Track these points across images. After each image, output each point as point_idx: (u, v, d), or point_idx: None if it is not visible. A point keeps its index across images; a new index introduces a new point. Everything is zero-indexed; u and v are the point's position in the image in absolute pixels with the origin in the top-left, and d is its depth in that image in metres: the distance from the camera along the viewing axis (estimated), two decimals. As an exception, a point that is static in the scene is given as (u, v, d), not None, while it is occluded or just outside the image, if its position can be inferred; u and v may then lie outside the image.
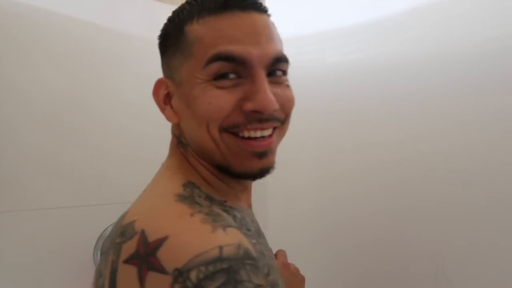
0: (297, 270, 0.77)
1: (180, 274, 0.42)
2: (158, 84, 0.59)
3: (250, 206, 0.67)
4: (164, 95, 0.58)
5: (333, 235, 1.15)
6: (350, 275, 1.10)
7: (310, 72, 1.21)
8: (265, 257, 0.55)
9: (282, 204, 1.30)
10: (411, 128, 0.96)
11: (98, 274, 0.50)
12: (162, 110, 0.59)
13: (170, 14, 0.60)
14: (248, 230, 0.56)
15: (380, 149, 1.03)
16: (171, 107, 0.58)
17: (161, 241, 0.44)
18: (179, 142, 0.60)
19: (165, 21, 0.60)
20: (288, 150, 1.25)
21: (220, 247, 0.44)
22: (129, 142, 1.24)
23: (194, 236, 0.45)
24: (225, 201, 0.57)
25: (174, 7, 0.61)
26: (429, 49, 0.92)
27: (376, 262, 1.03)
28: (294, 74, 1.26)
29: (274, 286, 0.52)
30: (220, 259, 0.43)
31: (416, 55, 0.94)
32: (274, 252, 0.78)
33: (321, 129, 1.18)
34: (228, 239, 0.46)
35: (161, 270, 0.43)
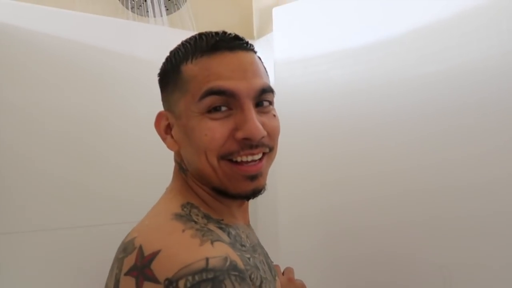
0: (303, 285, 0.79)
1: (170, 283, 0.47)
2: (159, 117, 0.66)
3: (247, 223, 0.73)
4: (165, 126, 0.66)
5: (339, 243, 1.16)
6: (356, 285, 1.10)
7: (317, 91, 1.24)
8: (259, 270, 0.59)
9: (291, 211, 1.32)
10: (417, 141, 0.97)
11: None
12: (164, 139, 0.66)
13: (181, 39, 0.66)
14: (242, 245, 0.61)
15: (386, 161, 1.04)
16: (172, 136, 0.65)
17: (154, 254, 0.49)
18: (180, 167, 0.67)
19: (176, 45, 0.66)
20: (298, 163, 1.29)
21: (207, 259, 0.49)
22: (144, 161, 1.28)
23: (183, 249, 0.50)
24: (222, 220, 0.63)
25: (186, 32, 0.65)
26: (434, 68, 0.95)
27: (383, 273, 1.03)
28: (302, 92, 1.30)
29: None
30: (206, 269, 0.48)
31: (421, 74, 0.97)
32: (282, 269, 0.80)
33: (328, 143, 1.20)
34: (215, 251, 0.51)
35: (154, 280, 0.47)
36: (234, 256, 0.53)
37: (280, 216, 1.35)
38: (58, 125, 1.18)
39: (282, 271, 0.80)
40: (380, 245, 1.05)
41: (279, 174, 1.35)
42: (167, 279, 0.47)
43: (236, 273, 0.49)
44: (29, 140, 1.13)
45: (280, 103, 1.35)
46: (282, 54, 1.35)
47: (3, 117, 1.09)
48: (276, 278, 0.72)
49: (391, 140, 1.03)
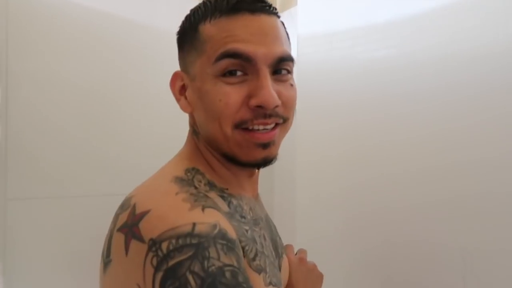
0: (315, 266, 0.79)
1: (154, 244, 0.46)
2: (175, 77, 0.65)
3: (255, 195, 0.72)
4: (180, 87, 0.64)
5: (357, 224, 1.15)
6: (373, 270, 1.09)
7: (342, 68, 1.20)
8: (256, 243, 0.58)
9: (310, 190, 1.31)
10: (440, 123, 0.94)
11: (104, 242, 0.56)
12: (178, 100, 0.65)
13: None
14: (242, 217, 0.60)
15: (409, 140, 1.01)
16: (186, 98, 0.63)
17: (144, 214, 0.49)
18: (193, 131, 0.66)
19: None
20: (318, 140, 1.27)
21: (194, 224, 0.48)
22: (161, 133, 1.28)
23: (172, 212, 0.50)
24: (227, 189, 0.62)
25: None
26: (463, 46, 0.90)
27: (402, 255, 1.02)
28: (325, 69, 1.27)
29: (259, 271, 0.56)
30: (191, 234, 0.47)
31: (453, 53, 0.93)
32: (295, 250, 0.79)
33: (350, 122, 1.18)
34: (204, 218, 0.50)
35: (140, 239, 0.48)
36: (226, 224, 0.52)
37: (297, 195, 1.34)
38: (77, 94, 1.18)
39: (295, 251, 0.79)
40: (401, 228, 1.03)
41: (299, 150, 1.33)
42: (151, 239, 0.47)
43: (224, 241, 0.48)
44: (46, 109, 1.14)
45: (302, 79, 1.33)
46: (306, 29, 1.31)
47: (22, 84, 1.09)
48: (283, 256, 0.71)
49: (415, 119, 1.00)
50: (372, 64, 1.12)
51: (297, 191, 1.34)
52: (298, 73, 1.33)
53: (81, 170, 1.18)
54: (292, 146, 1.34)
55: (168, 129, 1.25)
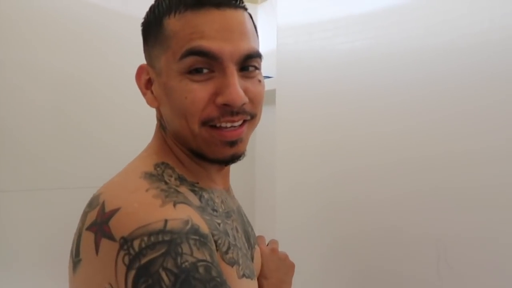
0: (286, 256, 0.79)
1: (125, 242, 0.46)
2: (141, 70, 0.63)
3: (227, 188, 0.72)
4: (146, 81, 0.63)
5: (335, 213, 1.17)
6: (351, 259, 1.11)
7: (321, 58, 1.21)
8: (228, 236, 0.59)
9: (289, 179, 1.32)
10: (417, 115, 0.96)
11: (72, 241, 0.54)
12: (144, 94, 0.63)
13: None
14: (214, 210, 0.60)
15: (386, 131, 1.03)
16: (152, 92, 0.62)
17: (114, 212, 0.48)
18: (161, 125, 0.65)
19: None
20: (297, 131, 1.28)
21: (166, 220, 0.47)
22: (140, 122, 1.27)
23: (143, 209, 0.49)
24: (197, 183, 0.62)
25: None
26: (442, 37, 0.92)
27: (379, 245, 1.04)
28: (305, 60, 1.27)
29: (232, 264, 0.57)
30: (162, 231, 0.46)
31: (431, 44, 0.94)
32: (267, 240, 0.80)
33: (330, 113, 1.19)
34: (176, 214, 0.50)
35: (111, 237, 0.47)
36: (198, 220, 0.51)
37: (277, 184, 1.35)
38: (53, 84, 1.16)
39: (267, 242, 0.80)
40: (377, 217, 1.05)
41: (279, 140, 1.34)
42: (122, 237, 0.46)
43: (196, 237, 0.48)
44: (23, 99, 1.11)
45: (282, 69, 1.33)
46: (286, 19, 1.31)
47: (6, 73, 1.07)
48: (256, 246, 0.72)
49: (393, 111, 1.02)
50: (351, 55, 1.13)
51: (277, 180, 1.35)
52: (278, 63, 1.33)
53: (60, 162, 1.16)
54: (272, 136, 1.34)
55: (146, 119, 1.24)
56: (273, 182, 1.35)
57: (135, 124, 1.28)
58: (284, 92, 1.32)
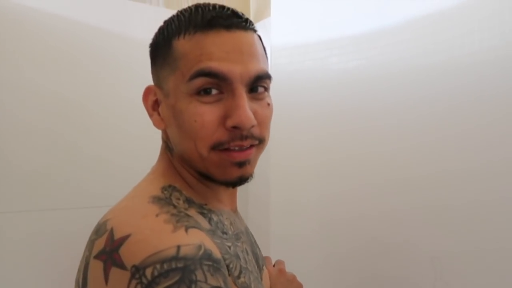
0: (294, 277, 0.78)
1: (137, 271, 0.44)
2: (148, 91, 0.62)
3: (234, 209, 0.70)
4: (153, 102, 0.62)
5: (331, 232, 1.16)
6: (347, 278, 1.10)
7: (315, 79, 1.22)
8: (239, 259, 0.57)
9: (284, 198, 1.32)
10: (411, 134, 0.97)
11: (78, 270, 0.52)
12: (150, 116, 0.62)
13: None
14: (224, 233, 0.59)
15: (381, 151, 1.03)
16: (159, 114, 0.61)
17: (124, 239, 0.46)
18: (167, 146, 0.64)
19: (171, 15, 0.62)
20: (292, 151, 1.28)
21: (178, 247, 0.46)
22: (134, 144, 1.26)
23: (154, 235, 0.47)
24: (205, 204, 0.60)
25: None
26: (436, 57, 0.93)
27: (375, 263, 1.03)
28: (299, 80, 1.28)
29: None
30: (176, 258, 0.45)
31: (423, 65, 0.95)
32: (273, 261, 0.79)
33: (324, 133, 1.19)
34: (188, 239, 0.48)
35: (121, 266, 0.45)
36: (210, 244, 0.50)
37: (272, 203, 1.35)
38: (45, 105, 1.16)
39: (273, 263, 0.79)
40: (372, 235, 1.04)
41: (273, 161, 1.34)
42: (134, 266, 0.44)
43: (210, 262, 0.47)
44: (14, 119, 1.11)
45: (276, 89, 1.33)
46: (279, 40, 1.33)
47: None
48: (264, 268, 0.71)
49: (387, 131, 1.02)
50: (345, 75, 1.14)
51: (271, 201, 1.35)
52: (272, 83, 1.34)
53: (51, 182, 1.16)
54: (266, 156, 1.33)
55: (140, 140, 1.23)
56: (267, 202, 1.35)
57: (131, 145, 1.28)
58: (278, 111, 1.32)
